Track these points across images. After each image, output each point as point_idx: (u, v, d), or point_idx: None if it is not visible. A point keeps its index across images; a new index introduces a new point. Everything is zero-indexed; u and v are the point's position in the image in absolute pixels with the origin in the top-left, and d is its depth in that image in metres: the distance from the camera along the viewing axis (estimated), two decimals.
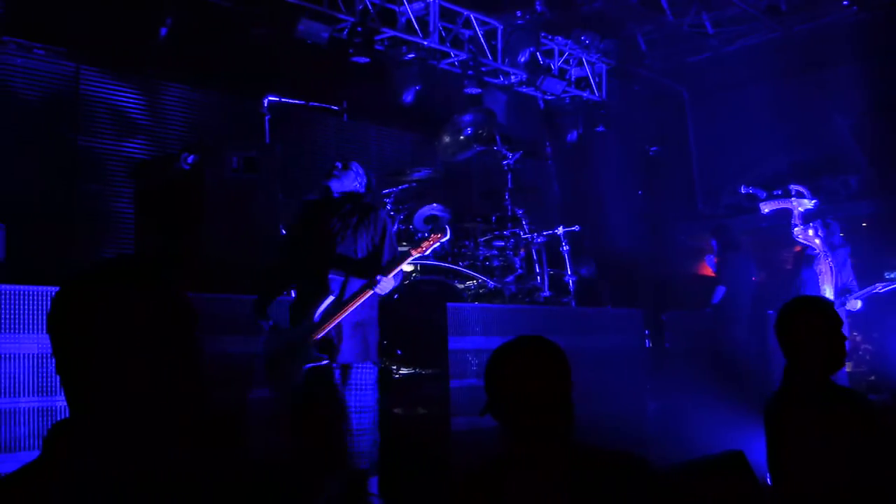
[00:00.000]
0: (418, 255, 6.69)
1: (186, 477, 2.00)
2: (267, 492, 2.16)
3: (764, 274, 13.55)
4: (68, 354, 1.96)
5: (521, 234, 10.73)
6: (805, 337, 4.24)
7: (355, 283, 6.48)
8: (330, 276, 6.45)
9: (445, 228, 6.71)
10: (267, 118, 9.41)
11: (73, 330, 1.95)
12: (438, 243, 6.80)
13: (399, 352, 8.98)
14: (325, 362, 6.35)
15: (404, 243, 10.04)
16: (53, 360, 1.98)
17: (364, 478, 6.39)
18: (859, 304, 10.51)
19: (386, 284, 6.37)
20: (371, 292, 6.36)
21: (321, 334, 6.33)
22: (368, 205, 6.80)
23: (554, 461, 3.05)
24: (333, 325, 6.34)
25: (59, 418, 2.02)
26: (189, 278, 7.29)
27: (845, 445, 4.02)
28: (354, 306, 6.36)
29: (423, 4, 11.65)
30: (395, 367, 8.92)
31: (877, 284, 10.83)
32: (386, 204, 10.09)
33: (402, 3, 11.45)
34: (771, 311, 11.33)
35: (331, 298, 6.39)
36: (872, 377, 11.39)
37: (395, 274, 6.41)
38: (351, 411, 6.35)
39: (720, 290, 12.32)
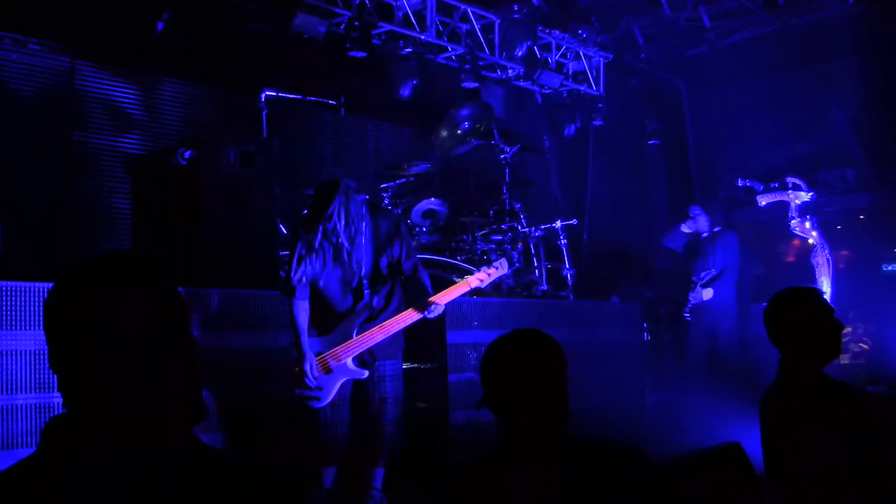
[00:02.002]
0: (479, 285, 6.59)
1: (182, 471, 2.00)
2: (264, 487, 2.16)
3: (762, 267, 13.54)
4: (62, 350, 1.96)
5: (519, 228, 10.73)
6: (793, 329, 4.23)
7: (395, 297, 6.44)
8: (366, 291, 6.32)
9: (505, 263, 6.65)
10: (264, 113, 9.40)
11: (67, 325, 1.95)
12: (498, 278, 6.71)
13: None
14: (364, 376, 6.27)
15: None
16: (48, 356, 1.99)
17: (372, 470, 6.37)
18: (710, 292, 10.52)
19: (437, 311, 6.33)
20: (419, 317, 6.30)
21: (360, 349, 6.26)
22: (377, 207, 6.69)
23: (550, 453, 3.06)
24: (373, 342, 6.26)
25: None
26: (187, 273, 7.28)
27: (839, 437, 4.01)
28: (399, 327, 6.30)
29: None
30: None
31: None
32: (383, 199, 10.10)
33: None
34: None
35: (368, 314, 6.31)
36: (869, 368, 11.39)
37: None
38: (389, 401, 6.35)
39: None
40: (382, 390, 6.36)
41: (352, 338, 6.25)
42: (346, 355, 6.23)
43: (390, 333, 6.28)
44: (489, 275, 6.59)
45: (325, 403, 6.25)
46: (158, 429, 1.98)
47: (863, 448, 4.01)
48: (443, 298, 6.35)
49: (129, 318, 1.94)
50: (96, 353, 1.92)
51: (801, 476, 4.04)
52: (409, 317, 6.31)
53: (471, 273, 6.72)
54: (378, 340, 6.26)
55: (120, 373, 1.93)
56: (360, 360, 6.31)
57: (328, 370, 6.22)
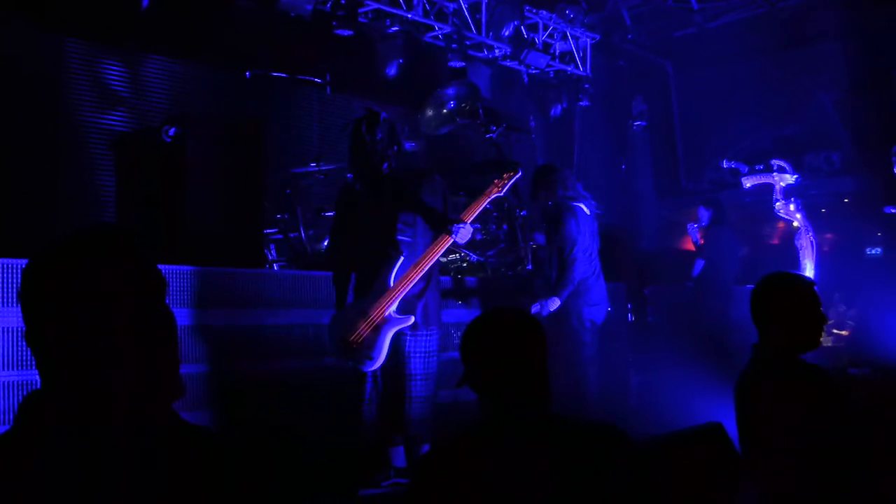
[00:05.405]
0: (497, 193, 6.49)
1: (160, 448, 1.99)
2: (252, 464, 2.15)
3: (747, 249, 13.58)
4: (38, 325, 1.95)
5: (505, 206, 10.71)
6: (775, 314, 4.24)
7: (426, 240, 6.26)
8: (399, 238, 6.17)
9: (517, 166, 6.57)
10: (249, 91, 9.37)
11: (42, 300, 1.94)
12: (513, 181, 6.62)
13: None
14: (410, 321, 6.07)
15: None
16: (24, 331, 1.98)
17: (419, 444, 6.27)
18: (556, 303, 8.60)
19: (465, 232, 6.13)
20: (449, 240, 6.11)
21: (402, 295, 6.04)
22: (422, 171, 6.65)
23: (531, 432, 3.06)
24: (413, 283, 6.05)
25: None
26: (171, 251, 7.26)
27: (812, 420, 4.03)
28: (434, 258, 6.11)
29: None
30: None
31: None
32: None
33: None
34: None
35: (402, 260, 6.09)
36: (852, 351, 11.41)
37: (472, 222, 6.19)
38: (418, 378, 6.20)
39: (699, 264, 12.27)
40: (412, 367, 6.20)
41: (389, 287, 6.05)
42: (389, 307, 6.02)
43: (426, 269, 6.10)
44: (504, 181, 6.54)
45: (377, 365, 6.06)
46: (136, 405, 1.96)
47: (835, 430, 4.04)
48: (468, 216, 6.23)
49: (106, 292, 1.93)
50: (72, 328, 1.90)
51: (773, 456, 4.06)
52: (440, 244, 6.15)
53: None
54: (415, 280, 6.06)
55: (96, 348, 1.91)
56: (403, 308, 6.10)
57: (376, 330, 6.01)
